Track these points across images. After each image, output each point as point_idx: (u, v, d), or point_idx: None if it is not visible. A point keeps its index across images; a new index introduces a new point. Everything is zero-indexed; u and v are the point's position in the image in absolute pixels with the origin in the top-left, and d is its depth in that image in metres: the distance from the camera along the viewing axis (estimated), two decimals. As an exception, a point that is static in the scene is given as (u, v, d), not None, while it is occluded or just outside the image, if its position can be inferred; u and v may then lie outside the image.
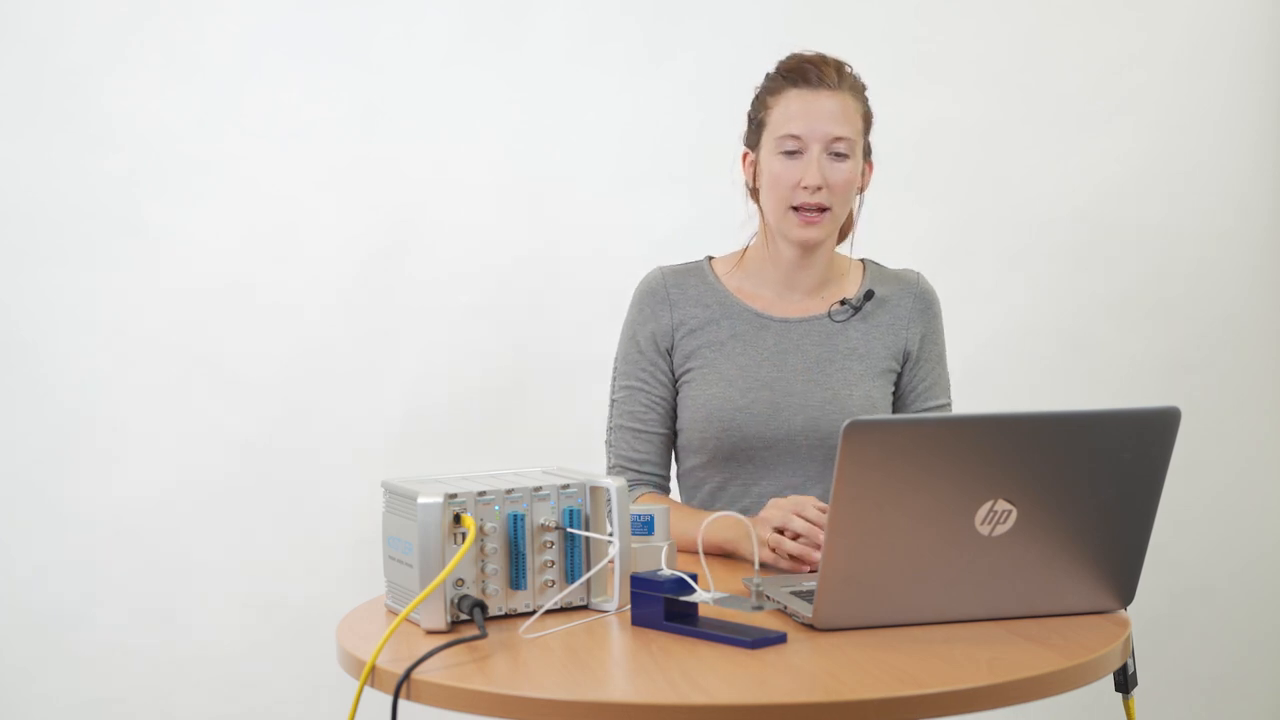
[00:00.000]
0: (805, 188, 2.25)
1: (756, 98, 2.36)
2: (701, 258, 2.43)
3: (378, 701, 1.63)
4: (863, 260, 2.44)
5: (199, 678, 3.29)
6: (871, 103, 2.35)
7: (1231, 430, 3.40)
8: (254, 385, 3.29)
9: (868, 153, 2.35)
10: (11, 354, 3.24)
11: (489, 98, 3.33)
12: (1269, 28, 3.38)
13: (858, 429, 1.60)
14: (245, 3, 3.29)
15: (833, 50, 2.34)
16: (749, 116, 2.37)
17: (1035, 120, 3.37)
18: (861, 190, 2.36)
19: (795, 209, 2.27)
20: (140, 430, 3.27)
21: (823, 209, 2.27)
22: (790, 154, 2.27)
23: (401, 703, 1.56)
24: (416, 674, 1.56)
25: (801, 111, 2.27)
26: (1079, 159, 3.38)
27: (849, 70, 2.32)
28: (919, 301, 2.39)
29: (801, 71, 2.29)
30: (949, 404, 2.41)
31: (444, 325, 3.33)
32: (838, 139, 2.26)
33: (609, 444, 2.40)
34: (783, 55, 2.35)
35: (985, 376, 3.25)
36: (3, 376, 3.24)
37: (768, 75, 2.35)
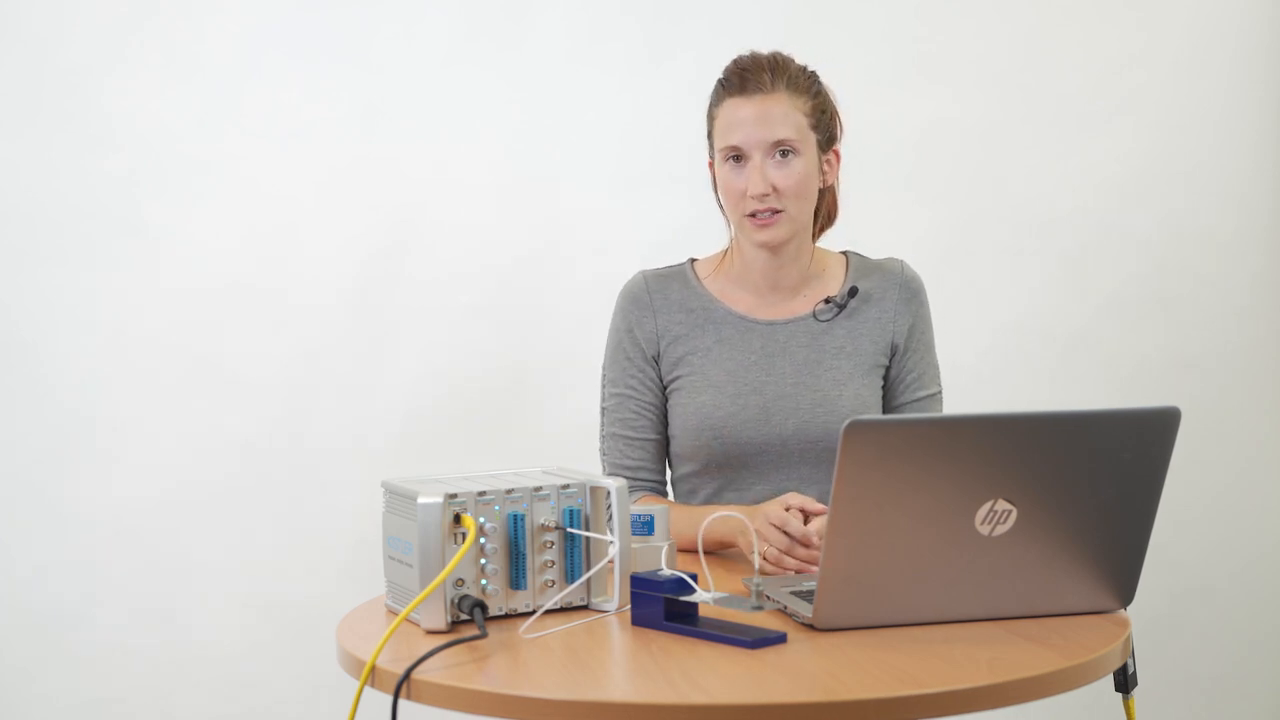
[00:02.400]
0: (752, 196, 2.24)
1: (707, 109, 2.35)
2: (684, 260, 2.43)
3: (378, 701, 1.63)
4: (845, 253, 2.42)
5: (199, 678, 3.29)
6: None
7: (1231, 430, 3.40)
8: (254, 385, 3.29)
9: (830, 143, 2.32)
10: (11, 354, 3.24)
11: (489, 98, 3.33)
12: (1269, 28, 3.38)
13: (858, 429, 1.60)
14: (245, 3, 3.29)
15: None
16: (706, 128, 2.36)
17: (1035, 120, 3.37)
18: (828, 184, 2.34)
19: (750, 216, 2.26)
20: (140, 430, 3.27)
21: (775, 211, 2.25)
22: (736, 161, 2.26)
23: (401, 703, 1.56)
24: (416, 674, 1.56)
25: (738, 121, 2.26)
26: (1079, 159, 3.37)
27: (789, 67, 2.29)
28: (904, 291, 2.37)
29: (736, 79, 2.28)
30: (939, 392, 2.40)
31: (444, 325, 3.33)
32: (777, 143, 2.24)
33: (603, 452, 2.40)
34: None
35: (985, 376, 3.25)
36: (3, 376, 3.24)
37: (715, 84, 2.33)
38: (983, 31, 3.37)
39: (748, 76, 2.27)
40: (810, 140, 2.27)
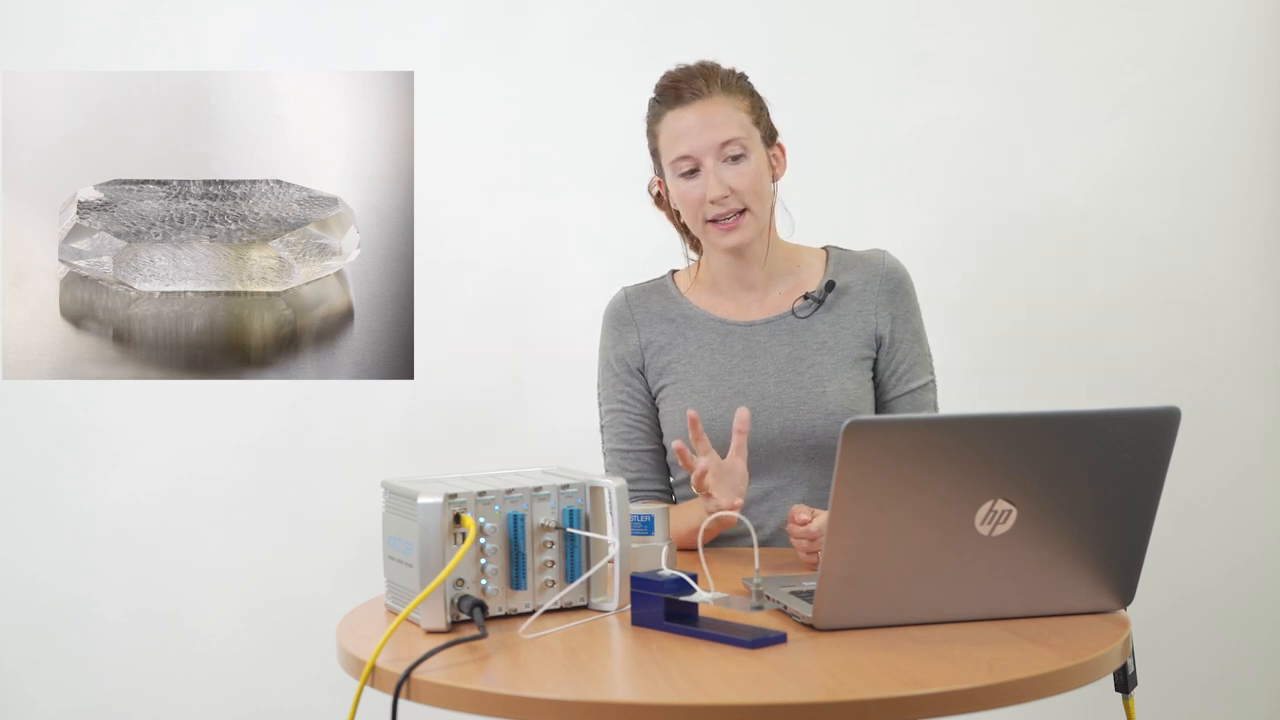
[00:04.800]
0: (712, 202, 2.27)
1: (647, 129, 2.38)
2: (664, 273, 2.47)
3: (378, 701, 1.63)
4: (825, 248, 2.43)
5: (199, 678, 3.29)
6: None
7: (1231, 430, 3.40)
8: (254, 385, 3.29)
9: (774, 137, 2.35)
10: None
11: (489, 98, 3.33)
12: (1269, 28, 3.37)
13: (857, 429, 1.60)
14: (245, 3, 3.29)
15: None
16: (648, 147, 2.39)
17: (1035, 120, 3.37)
18: (779, 178, 2.37)
19: (712, 222, 2.29)
20: (140, 430, 3.27)
21: (739, 212, 2.28)
22: (689, 174, 2.29)
23: (401, 703, 1.56)
24: (416, 674, 1.56)
25: (682, 131, 2.29)
26: (1079, 159, 3.37)
27: (718, 71, 2.32)
28: (885, 283, 2.37)
29: (671, 92, 2.32)
30: (931, 381, 2.40)
31: (443, 324, 3.33)
32: (725, 144, 2.27)
33: (605, 468, 2.42)
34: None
35: (985, 376, 3.25)
36: (2, 376, 3.24)
37: (649, 102, 2.37)
38: (983, 31, 3.37)
39: (682, 87, 2.31)
40: (755, 137, 2.30)
